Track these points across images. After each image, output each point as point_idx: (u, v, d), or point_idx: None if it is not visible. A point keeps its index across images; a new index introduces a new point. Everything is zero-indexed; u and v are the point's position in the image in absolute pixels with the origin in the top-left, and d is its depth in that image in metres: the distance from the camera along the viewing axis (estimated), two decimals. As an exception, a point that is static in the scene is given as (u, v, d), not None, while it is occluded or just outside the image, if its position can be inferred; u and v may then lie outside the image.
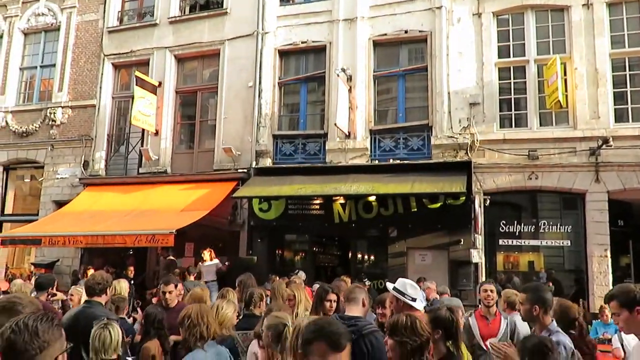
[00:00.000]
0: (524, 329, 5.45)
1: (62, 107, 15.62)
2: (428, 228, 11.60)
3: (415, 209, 11.61)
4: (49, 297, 6.50)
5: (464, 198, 11.04)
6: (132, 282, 11.25)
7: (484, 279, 11.06)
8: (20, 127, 15.95)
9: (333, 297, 4.62)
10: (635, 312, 3.04)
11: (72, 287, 7.32)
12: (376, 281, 11.49)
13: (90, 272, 11.03)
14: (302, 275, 10.03)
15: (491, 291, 5.84)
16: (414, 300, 4.29)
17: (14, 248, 15.00)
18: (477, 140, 11.50)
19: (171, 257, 12.61)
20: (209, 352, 3.94)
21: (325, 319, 2.96)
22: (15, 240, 12.19)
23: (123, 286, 6.92)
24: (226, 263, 12.14)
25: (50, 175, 15.40)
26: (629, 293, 3.12)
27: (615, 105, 11.11)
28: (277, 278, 9.90)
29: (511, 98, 11.80)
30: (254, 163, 13.09)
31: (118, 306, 5.88)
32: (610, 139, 10.52)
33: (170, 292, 6.05)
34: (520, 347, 3.32)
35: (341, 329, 2.35)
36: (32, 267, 14.43)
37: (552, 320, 3.89)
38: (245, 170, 13.03)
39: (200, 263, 12.04)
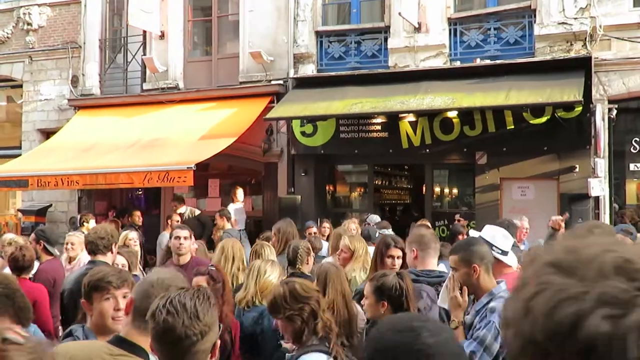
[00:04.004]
0: None
1: (39, 6, 15.95)
2: (530, 151, 11.50)
3: (512, 126, 11.49)
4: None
5: (580, 108, 10.83)
6: (140, 229, 11.84)
7: (607, 218, 11.03)
8: (-12, 35, 16.48)
9: (396, 252, 4.78)
10: None
11: (68, 239, 7.70)
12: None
13: (91, 222, 11.67)
14: (373, 219, 10.11)
15: None
16: (504, 253, 4.44)
17: (-5, 191, 15.90)
18: (600, 27, 11.10)
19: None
20: None
21: None
22: (-4, 183, 12.93)
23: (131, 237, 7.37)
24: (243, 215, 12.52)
25: (31, 97, 16.01)
26: None
27: None
28: (328, 224, 10.16)
29: (651, -37, 11.21)
30: (292, 71, 13.15)
31: (130, 262, 6.28)
32: None
33: (185, 238, 6.30)
34: None
35: None
36: (20, 215, 15.36)
37: (500, 282, 3.95)
38: (281, 82, 13.13)
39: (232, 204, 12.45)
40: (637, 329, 0.79)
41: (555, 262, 0.89)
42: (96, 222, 13.44)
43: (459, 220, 10.95)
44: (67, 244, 7.33)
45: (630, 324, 0.79)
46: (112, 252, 5.21)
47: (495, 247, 4.42)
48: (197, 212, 12.64)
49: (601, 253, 0.87)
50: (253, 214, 13.41)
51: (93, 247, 5.17)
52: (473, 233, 4.70)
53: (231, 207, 12.17)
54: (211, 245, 9.30)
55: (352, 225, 8.95)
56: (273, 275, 4.94)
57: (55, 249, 7.03)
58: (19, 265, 5.66)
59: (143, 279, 2.93)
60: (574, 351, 0.81)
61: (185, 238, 6.25)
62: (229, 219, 10.91)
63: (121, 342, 2.65)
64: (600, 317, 0.80)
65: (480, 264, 3.86)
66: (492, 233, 4.53)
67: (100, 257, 5.13)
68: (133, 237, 7.80)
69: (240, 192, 12.61)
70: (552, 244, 0.97)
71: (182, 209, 12.32)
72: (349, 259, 5.77)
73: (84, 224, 11.64)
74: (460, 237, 8.89)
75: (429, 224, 9.14)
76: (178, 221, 11.47)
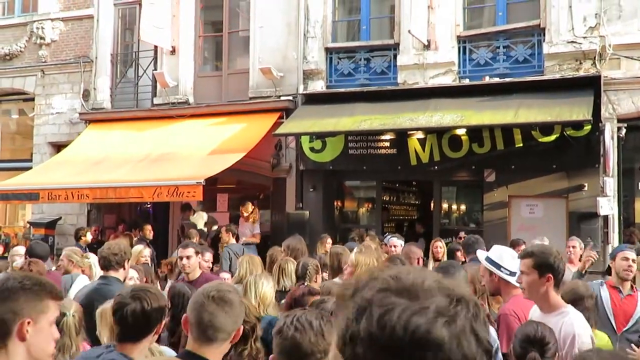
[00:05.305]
0: None
1: (52, 20, 16.16)
2: (538, 169, 11.54)
3: (521, 144, 11.53)
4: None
5: (589, 127, 10.88)
6: (151, 244, 11.93)
7: (616, 237, 11.04)
8: (2, 48, 16.67)
9: None
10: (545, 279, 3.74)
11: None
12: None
13: (88, 235, 11.85)
14: (395, 242, 9.37)
15: (633, 261, 5.86)
16: (512, 274, 4.47)
17: (5, 204, 16.03)
18: (609, 46, 11.16)
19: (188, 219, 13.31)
20: None
21: None
22: (8, 196, 13.06)
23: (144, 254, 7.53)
24: (257, 232, 12.62)
25: (43, 110, 16.17)
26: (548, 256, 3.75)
27: None
28: (329, 240, 10.18)
29: (660, -17, 11.28)
30: (302, 87, 13.26)
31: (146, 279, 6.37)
32: None
33: (188, 257, 6.37)
34: None
35: None
36: (30, 227, 15.48)
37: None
38: (291, 98, 13.24)
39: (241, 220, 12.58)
40: (462, 331, 1.09)
41: (388, 288, 1.13)
42: (106, 235, 13.68)
43: (461, 238, 11.00)
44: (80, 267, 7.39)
45: (458, 327, 1.08)
46: (124, 268, 5.28)
47: (503, 267, 4.46)
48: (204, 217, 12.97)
49: (420, 278, 1.15)
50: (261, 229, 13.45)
51: (106, 262, 5.24)
52: (480, 254, 4.73)
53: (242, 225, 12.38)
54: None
55: (371, 245, 8.88)
56: (268, 286, 5.09)
57: (45, 265, 7.11)
58: None
59: (194, 294, 2.99)
60: (428, 349, 1.06)
61: (188, 257, 6.35)
62: (234, 234, 11.01)
63: (191, 356, 2.78)
64: (441, 324, 1.07)
65: None
66: (500, 253, 4.56)
67: (112, 273, 5.20)
68: (146, 254, 7.94)
69: (248, 211, 12.67)
70: (374, 274, 1.19)
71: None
72: (353, 275, 5.79)
73: (82, 237, 11.82)
74: (458, 253, 8.95)
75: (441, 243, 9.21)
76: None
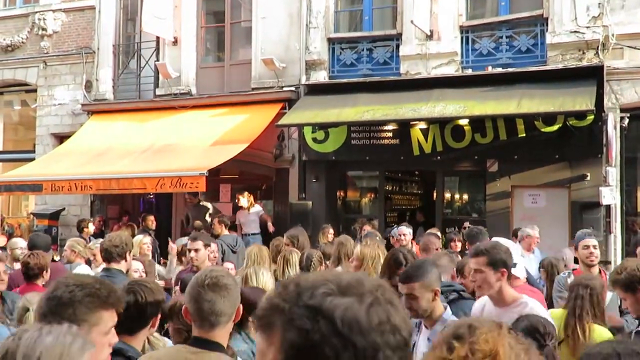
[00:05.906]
0: None
1: (54, 11, 16.15)
2: (541, 159, 11.56)
3: (524, 134, 11.53)
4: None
5: (592, 117, 10.86)
6: (153, 234, 11.99)
7: (618, 226, 11.07)
8: (3, 40, 16.67)
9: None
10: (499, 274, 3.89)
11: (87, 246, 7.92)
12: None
13: (90, 226, 11.90)
14: (404, 231, 8.92)
15: (594, 247, 5.98)
16: (513, 265, 4.49)
17: (9, 195, 16.10)
18: (612, 36, 11.13)
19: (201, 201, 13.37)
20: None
21: None
22: (11, 187, 13.12)
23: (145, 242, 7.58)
24: (268, 219, 12.66)
25: (45, 101, 16.19)
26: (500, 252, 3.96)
27: None
28: (330, 230, 10.23)
29: (663, -28, 11.24)
30: (304, 78, 13.25)
31: (147, 271, 6.42)
32: None
33: (197, 250, 6.36)
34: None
35: None
36: (33, 218, 15.56)
37: (446, 308, 3.97)
38: (293, 88, 13.23)
39: (239, 211, 12.61)
40: (404, 312, 1.27)
41: (332, 292, 1.20)
42: (110, 226, 13.73)
43: (465, 228, 11.07)
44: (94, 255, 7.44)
45: (400, 310, 1.24)
46: (126, 260, 5.31)
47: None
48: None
49: (350, 277, 1.26)
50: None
51: (107, 255, 5.27)
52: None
53: (243, 215, 12.40)
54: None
55: (376, 233, 8.91)
56: (268, 275, 5.15)
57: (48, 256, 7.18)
58: (30, 273, 5.77)
59: (189, 284, 3.03)
60: (391, 333, 1.19)
61: (197, 250, 6.32)
62: (227, 225, 10.99)
63: (199, 342, 2.88)
64: (393, 310, 1.22)
65: (435, 289, 3.93)
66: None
67: (114, 265, 5.23)
68: (147, 242, 8.00)
69: (243, 200, 12.69)
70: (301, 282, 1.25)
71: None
72: (359, 268, 5.83)
73: (84, 229, 11.87)
74: (452, 244, 8.97)
75: (438, 234, 9.21)
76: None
